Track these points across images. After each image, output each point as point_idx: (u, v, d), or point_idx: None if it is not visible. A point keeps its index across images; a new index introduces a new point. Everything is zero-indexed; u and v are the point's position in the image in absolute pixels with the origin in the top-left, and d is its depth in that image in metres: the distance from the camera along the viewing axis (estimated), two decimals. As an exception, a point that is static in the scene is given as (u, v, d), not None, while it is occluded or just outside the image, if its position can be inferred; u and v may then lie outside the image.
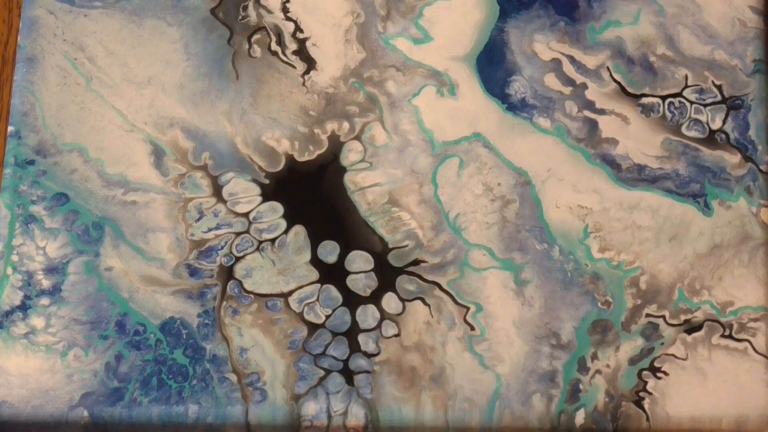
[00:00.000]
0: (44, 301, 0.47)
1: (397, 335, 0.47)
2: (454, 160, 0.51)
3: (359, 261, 0.49)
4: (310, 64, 0.51)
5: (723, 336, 0.48)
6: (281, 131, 0.51)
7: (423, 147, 0.51)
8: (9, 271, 0.47)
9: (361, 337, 0.47)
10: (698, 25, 0.51)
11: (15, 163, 0.49)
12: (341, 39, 0.51)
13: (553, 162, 0.50)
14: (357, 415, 0.46)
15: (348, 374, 0.46)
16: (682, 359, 0.47)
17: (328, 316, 0.47)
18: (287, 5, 0.53)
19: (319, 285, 0.48)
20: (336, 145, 0.51)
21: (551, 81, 0.50)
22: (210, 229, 0.49)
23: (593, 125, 0.50)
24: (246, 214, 0.49)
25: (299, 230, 0.49)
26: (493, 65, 0.51)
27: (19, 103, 0.50)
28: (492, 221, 0.50)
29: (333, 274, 0.48)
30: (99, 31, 0.52)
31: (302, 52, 0.52)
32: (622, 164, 0.50)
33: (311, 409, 0.46)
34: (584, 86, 0.50)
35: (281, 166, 0.50)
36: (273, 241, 0.49)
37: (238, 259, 0.48)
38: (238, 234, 0.49)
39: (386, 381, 0.46)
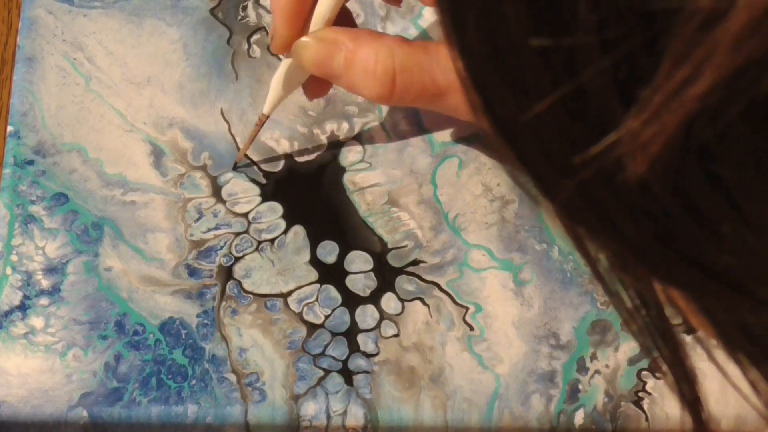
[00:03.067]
0: (43, 301, 0.47)
1: (397, 335, 0.47)
2: (453, 161, 0.51)
3: (358, 261, 0.49)
4: (310, 64, 0.51)
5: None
6: (280, 131, 0.51)
7: (422, 147, 0.51)
8: (8, 271, 0.47)
9: (360, 338, 0.47)
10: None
11: (14, 163, 0.49)
12: (340, 39, 0.51)
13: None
14: (356, 415, 0.46)
15: (347, 374, 0.46)
16: (682, 359, 0.47)
17: (327, 317, 0.47)
18: (287, 5, 0.53)
19: (318, 285, 0.48)
20: (335, 145, 0.51)
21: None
22: (209, 230, 0.49)
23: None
24: (245, 215, 0.49)
25: (298, 230, 0.49)
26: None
27: (19, 103, 0.50)
28: (491, 221, 0.50)
29: (332, 274, 0.48)
30: (98, 31, 0.52)
31: (302, 53, 0.52)
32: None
33: (310, 409, 0.46)
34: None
35: (280, 167, 0.50)
36: (272, 241, 0.49)
37: (237, 259, 0.48)
38: (237, 234, 0.49)
39: (385, 381, 0.46)
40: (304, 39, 0.44)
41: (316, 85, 0.47)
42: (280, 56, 0.47)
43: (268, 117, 0.48)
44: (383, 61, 0.43)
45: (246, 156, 0.50)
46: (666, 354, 0.25)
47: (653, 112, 0.17)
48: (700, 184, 0.18)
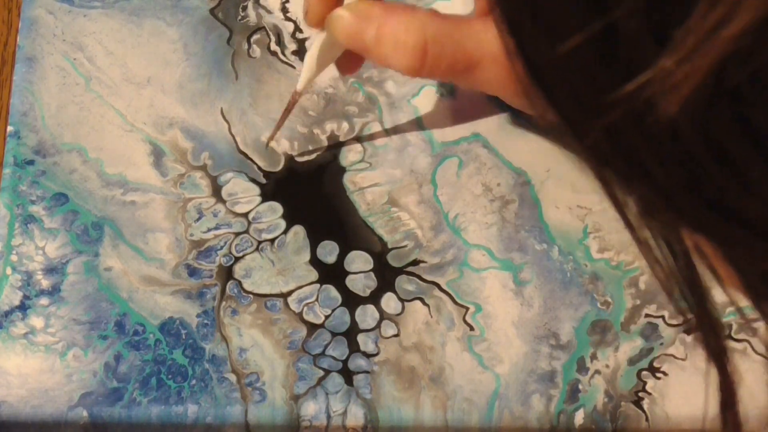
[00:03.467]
0: (43, 301, 0.47)
1: (397, 335, 0.47)
2: (453, 161, 0.51)
3: (358, 261, 0.49)
4: (310, 64, 0.51)
5: (722, 336, 0.47)
6: (280, 131, 0.51)
7: (422, 147, 0.51)
8: (8, 271, 0.47)
9: (360, 338, 0.47)
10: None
11: (14, 163, 0.49)
12: (341, 39, 0.51)
13: (553, 162, 0.50)
14: (356, 415, 0.46)
15: (347, 374, 0.46)
16: (682, 359, 0.47)
17: (327, 316, 0.47)
18: (287, 5, 0.53)
19: (318, 285, 0.48)
20: (335, 145, 0.51)
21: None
22: (209, 229, 0.49)
23: (592, 125, 0.50)
24: (245, 215, 0.49)
25: (298, 230, 0.49)
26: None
27: (19, 103, 0.50)
28: (491, 221, 0.50)
29: (332, 274, 0.48)
30: (98, 32, 0.52)
31: (302, 53, 0.53)
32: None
33: (310, 409, 0.46)
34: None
35: (280, 167, 0.50)
36: (272, 241, 0.49)
37: (237, 259, 0.48)
38: (237, 234, 0.49)
39: (385, 381, 0.46)
40: (337, 11, 0.44)
41: (349, 61, 0.47)
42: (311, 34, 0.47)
43: (301, 94, 0.48)
44: (415, 33, 0.43)
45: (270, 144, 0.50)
46: (692, 303, 0.25)
47: (687, 52, 0.17)
48: (730, 128, 0.18)
